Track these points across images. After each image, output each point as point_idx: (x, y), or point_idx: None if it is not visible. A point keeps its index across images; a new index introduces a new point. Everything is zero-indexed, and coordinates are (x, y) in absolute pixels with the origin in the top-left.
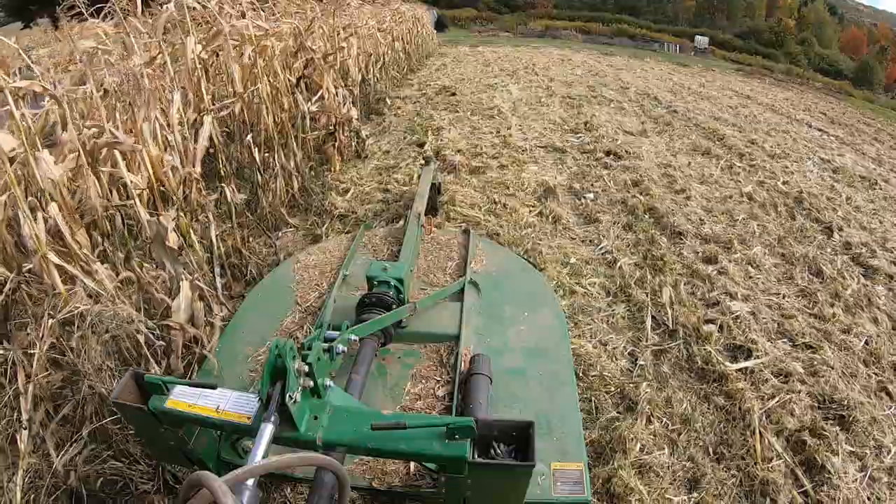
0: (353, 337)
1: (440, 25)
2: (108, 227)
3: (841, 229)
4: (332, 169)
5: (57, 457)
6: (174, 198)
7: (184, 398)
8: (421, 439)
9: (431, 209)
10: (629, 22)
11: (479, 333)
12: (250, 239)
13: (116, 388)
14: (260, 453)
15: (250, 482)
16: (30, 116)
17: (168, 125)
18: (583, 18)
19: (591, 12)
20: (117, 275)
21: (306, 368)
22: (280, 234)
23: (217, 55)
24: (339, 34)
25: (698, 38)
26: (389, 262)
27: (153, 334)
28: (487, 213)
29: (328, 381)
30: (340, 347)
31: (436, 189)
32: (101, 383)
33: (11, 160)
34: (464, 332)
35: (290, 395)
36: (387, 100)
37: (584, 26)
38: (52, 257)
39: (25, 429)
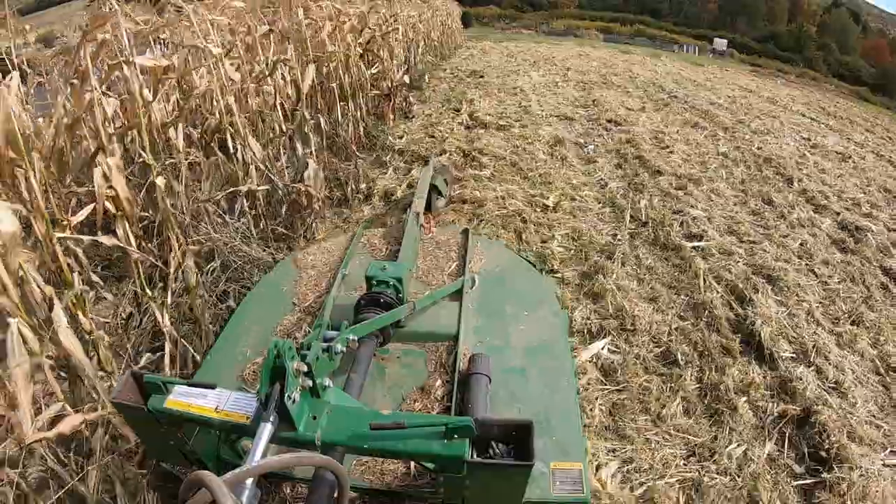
0: (351, 337)
1: (464, 22)
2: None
3: (801, 180)
4: (387, 124)
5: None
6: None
7: (183, 398)
8: (419, 439)
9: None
10: (649, 23)
11: (479, 333)
12: (334, 161)
13: (116, 388)
14: (259, 453)
15: (249, 482)
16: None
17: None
18: (605, 19)
19: (614, 13)
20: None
21: (305, 368)
22: (357, 160)
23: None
24: (393, 20)
25: (717, 40)
26: (388, 261)
27: (287, 189)
28: (511, 154)
29: (327, 381)
30: (339, 347)
31: (436, 192)
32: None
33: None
34: (463, 331)
35: (288, 395)
36: (426, 78)
37: (605, 26)
38: (229, 128)
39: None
